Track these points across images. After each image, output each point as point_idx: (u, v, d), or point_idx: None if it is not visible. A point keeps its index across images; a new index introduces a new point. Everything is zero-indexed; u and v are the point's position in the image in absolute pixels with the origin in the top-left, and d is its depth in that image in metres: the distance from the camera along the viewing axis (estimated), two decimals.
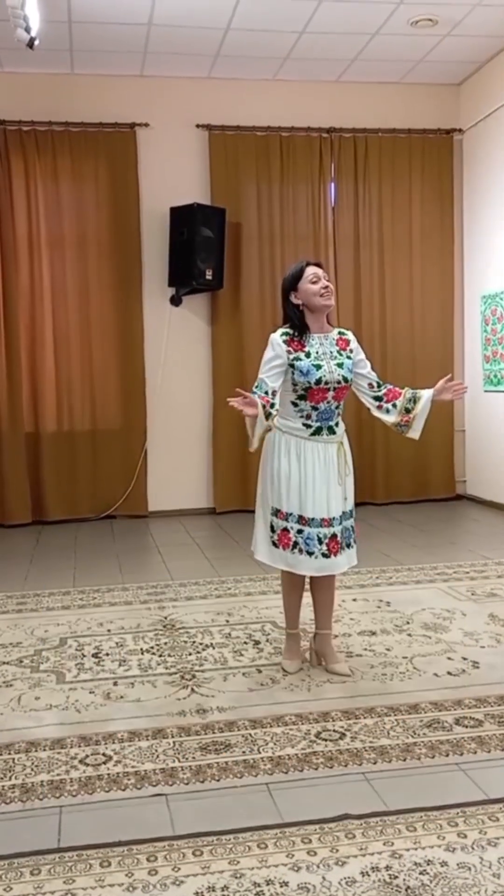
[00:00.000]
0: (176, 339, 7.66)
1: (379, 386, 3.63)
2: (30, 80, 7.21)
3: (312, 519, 3.47)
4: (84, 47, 6.80)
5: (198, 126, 7.55)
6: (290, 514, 3.49)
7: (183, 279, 7.36)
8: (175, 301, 7.63)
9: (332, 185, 7.78)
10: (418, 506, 7.78)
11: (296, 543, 3.48)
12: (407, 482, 7.93)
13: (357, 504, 3.70)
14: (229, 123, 7.54)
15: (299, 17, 6.37)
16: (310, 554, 3.47)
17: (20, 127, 7.22)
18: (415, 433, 3.64)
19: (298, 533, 3.48)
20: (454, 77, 7.75)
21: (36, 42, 5.59)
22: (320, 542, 3.47)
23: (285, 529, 3.50)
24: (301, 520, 3.48)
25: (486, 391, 7.61)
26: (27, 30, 5.49)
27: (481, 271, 7.70)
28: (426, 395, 3.64)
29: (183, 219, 7.29)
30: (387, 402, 3.62)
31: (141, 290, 7.54)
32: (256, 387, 3.47)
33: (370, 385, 3.62)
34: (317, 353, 3.49)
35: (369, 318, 7.82)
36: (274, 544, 3.53)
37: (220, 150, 7.54)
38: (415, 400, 3.61)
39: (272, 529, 3.53)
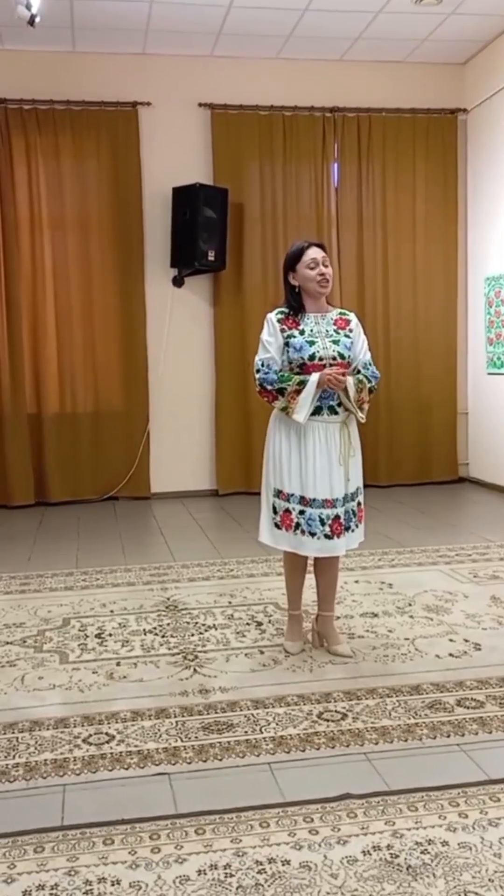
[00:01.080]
0: (178, 320, 7.64)
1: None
2: (31, 58, 7.14)
3: (314, 500, 3.47)
4: (85, 25, 6.73)
5: (200, 105, 7.48)
6: (292, 495, 3.49)
7: (185, 260, 7.33)
8: (177, 282, 7.60)
9: (336, 165, 7.72)
10: (421, 488, 7.78)
11: (297, 524, 3.48)
12: (409, 465, 7.92)
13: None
14: (232, 102, 7.48)
15: None
16: (312, 535, 3.47)
17: (21, 105, 7.16)
18: (361, 418, 3.52)
19: (300, 514, 3.48)
20: (458, 56, 7.67)
21: (37, 20, 5.54)
22: (322, 523, 3.47)
23: (287, 510, 3.50)
24: (303, 500, 3.48)
25: (489, 374, 7.59)
26: (28, 7, 5.45)
27: (485, 253, 7.66)
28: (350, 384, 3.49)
29: (185, 199, 7.24)
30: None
31: (143, 271, 7.51)
32: (267, 366, 3.46)
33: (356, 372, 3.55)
34: (311, 330, 3.50)
35: (372, 300, 7.78)
36: (276, 525, 3.53)
37: (222, 130, 7.48)
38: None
39: (274, 511, 3.54)
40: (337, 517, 3.49)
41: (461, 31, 7.04)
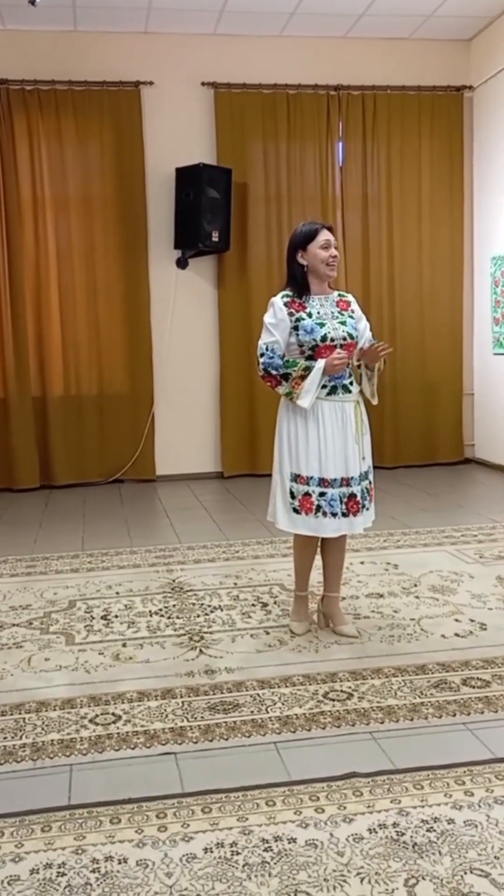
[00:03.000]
0: (182, 301, 7.61)
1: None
2: (32, 37, 7.08)
3: (334, 480, 3.46)
4: (87, 4, 6.66)
5: (203, 84, 7.42)
6: (311, 478, 3.48)
7: (189, 241, 7.29)
8: (181, 263, 7.56)
9: (340, 143, 7.65)
10: (426, 469, 7.77)
11: (319, 507, 3.47)
12: (415, 446, 7.91)
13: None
14: (235, 81, 7.41)
15: None
16: (333, 515, 3.47)
17: (23, 86, 7.10)
18: (373, 401, 3.58)
19: (321, 496, 3.47)
20: (464, 33, 7.58)
21: None
22: (341, 501, 3.47)
23: (307, 494, 3.49)
24: (323, 482, 3.47)
25: (495, 354, 7.55)
26: None
27: (491, 232, 7.60)
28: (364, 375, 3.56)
29: (189, 179, 7.20)
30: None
31: (147, 253, 7.47)
32: (272, 350, 3.45)
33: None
34: (318, 312, 3.49)
35: (377, 280, 7.74)
36: (295, 510, 3.51)
37: (225, 109, 7.42)
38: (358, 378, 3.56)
39: (292, 496, 3.52)
40: (353, 495, 3.50)
41: (467, 6, 6.95)
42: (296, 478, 3.51)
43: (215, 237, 7.19)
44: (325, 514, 3.47)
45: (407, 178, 7.73)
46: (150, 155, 7.39)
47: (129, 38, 7.28)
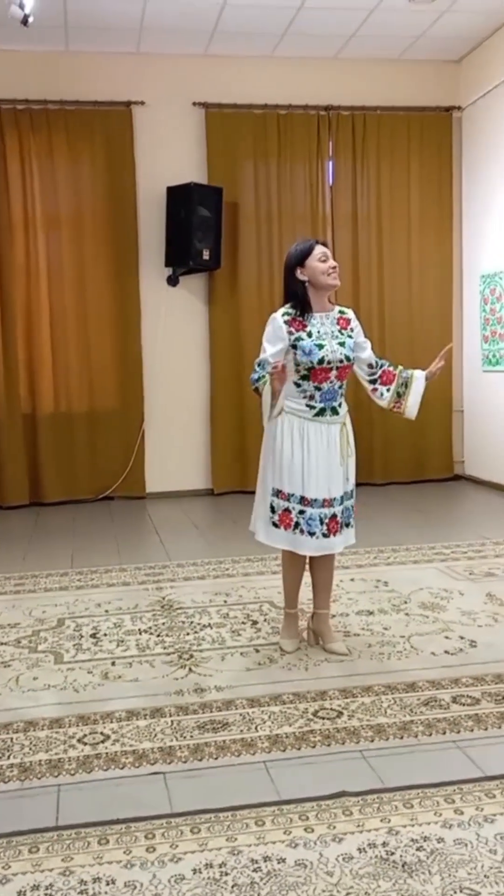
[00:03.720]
0: (173, 319, 7.62)
1: (376, 367, 3.63)
2: (24, 57, 7.12)
3: (315, 500, 3.47)
4: (79, 24, 6.71)
5: (194, 104, 7.47)
6: (292, 495, 3.48)
7: (180, 259, 7.32)
8: (172, 281, 7.59)
9: (331, 163, 7.71)
10: (416, 486, 7.78)
11: (297, 524, 3.48)
12: (405, 462, 7.92)
13: (356, 484, 3.69)
14: (226, 101, 7.46)
15: None
16: (311, 534, 3.47)
17: (14, 105, 7.14)
18: (409, 415, 3.67)
19: (300, 514, 3.47)
20: (453, 54, 7.67)
21: (30, 19, 5.53)
22: (321, 522, 3.47)
23: (287, 510, 3.49)
24: (303, 500, 3.47)
25: (484, 371, 7.59)
26: (21, 6, 5.44)
27: (480, 251, 7.66)
28: (418, 379, 3.63)
29: (180, 198, 7.23)
30: (381, 384, 3.64)
31: (137, 271, 7.49)
32: (260, 366, 3.46)
33: (369, 366, 3.64)
34: (318, 332, 3.48)
35: (367, 298, 7.77)
36: (274, 525, 3.52)
37: (216, 129, 7.47)
38: (406, 384, 3.60)
39: (272, 510, 3.52)
40: (334, 516, 3.50)
41: (456, 28, 7.03)
42: (277, 493, 3.51)
43: (206, 255, 7.22)
44: (302, 531, 3.48)
45: (396, 197, 7.79)
46: (141, 174, 7.43)
47: (120, 59, 7.34)
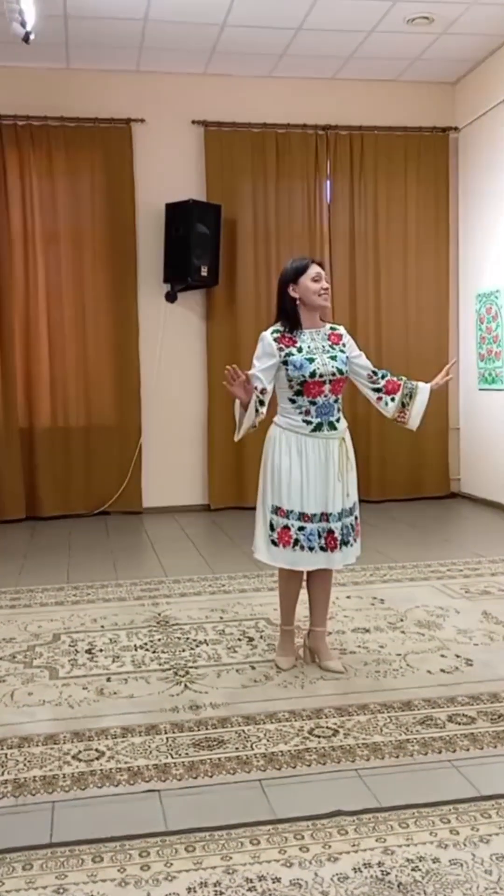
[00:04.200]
0: (171, 335, 7.65)
1: (378, 376, 3.65)
2: (25, 74, 7.18)
3: (314, 515, 3.47)
4: (80, 42, 6.78)
5: (193, 122, 7.53)
6: (291, 512, 3.49)
7: (178, 276, 7.35)
8: (170, 297, 7.62)
9: (328, 182, 7.77)
10: (413, 503, 7.79)
11: (297, 541, 3.48)
12: (401, 480, 7.93)
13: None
14: (225, 120, 7.52)
15: (295, 13, 6.36)
16: (310, 550, 3.48)
17: (15, 121, 7.19)
18: (412, 426, 3.69)
19: (300, 530, 3.48)
20: (450, 75, 7.74)
21: (31, 36, 5.57)
22: (319, 536, 3.48)
23: (286, 527, 3.49)
24: (303, 517, 3.48)
25: (480, 389, 7.62)
26: (23, 24, 5.48)
27: (476, 269, 7.70)
28: (423, 391, 3.66)
29: (178, 215, 7.27)
30: (386, 394, 3.65)
31: (136, 287, 7.52)
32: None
33: (369, 376, 3.65)
34: (309, 347, 3.50)
35: (364, 316, 7.81)
36: (273, 542, 3.52)
37: (215, 147, 7.52)
38: (411, 395, 3.63)
39: (271, 528, 3.53)
40: (331, 531, 3.50)
41: (453, 50, 7.11)
42: (276, 510, 3.51)
43: (204, 272, 7.26)
44: (302, 547, 3.48)
45: (393, 217, 7.85)
46: (140, 191, 7.47)
47: (120, 77, 7.40)
